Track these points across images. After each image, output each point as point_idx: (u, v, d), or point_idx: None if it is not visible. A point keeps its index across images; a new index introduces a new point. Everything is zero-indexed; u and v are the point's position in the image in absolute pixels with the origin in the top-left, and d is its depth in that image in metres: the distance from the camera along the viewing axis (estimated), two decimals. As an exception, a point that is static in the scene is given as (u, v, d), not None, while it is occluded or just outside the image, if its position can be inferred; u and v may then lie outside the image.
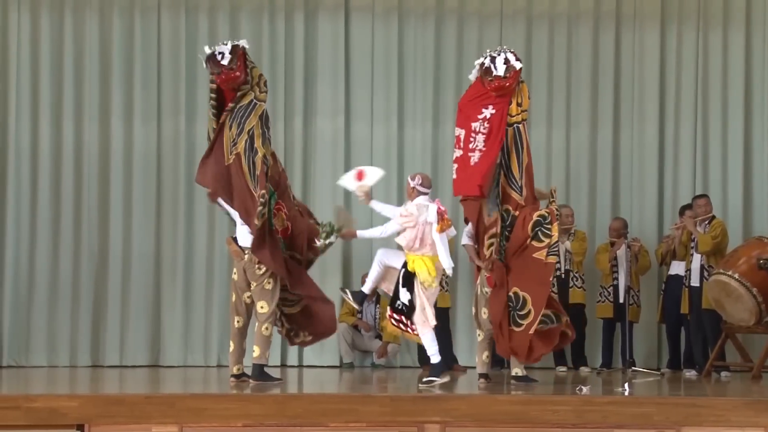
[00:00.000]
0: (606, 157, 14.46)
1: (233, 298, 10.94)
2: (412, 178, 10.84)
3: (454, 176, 11.08)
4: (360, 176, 10.95)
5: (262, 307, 10.80)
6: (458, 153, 11.05)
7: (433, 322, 10.68)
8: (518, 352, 10.76)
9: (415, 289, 10.57)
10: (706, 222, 12.90)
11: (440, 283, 13.41)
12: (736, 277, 12.04)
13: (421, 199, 10.69)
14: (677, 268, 13.13)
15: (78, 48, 13.94)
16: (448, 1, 14.42)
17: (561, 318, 10.90)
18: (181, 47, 14.05)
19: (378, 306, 13.86)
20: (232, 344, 10.93)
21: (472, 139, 10.97)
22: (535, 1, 14.45)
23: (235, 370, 10.88)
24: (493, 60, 10.95)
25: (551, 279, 11.05)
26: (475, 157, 10.96)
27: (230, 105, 10.91)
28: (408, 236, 10.55)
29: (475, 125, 10.97)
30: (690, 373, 12.84)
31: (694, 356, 12.94)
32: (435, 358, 10.68)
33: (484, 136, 10.94)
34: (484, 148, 10.94)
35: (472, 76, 11.19)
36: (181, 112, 14.01)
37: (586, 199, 14.42)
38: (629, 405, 9.31)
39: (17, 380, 11.94)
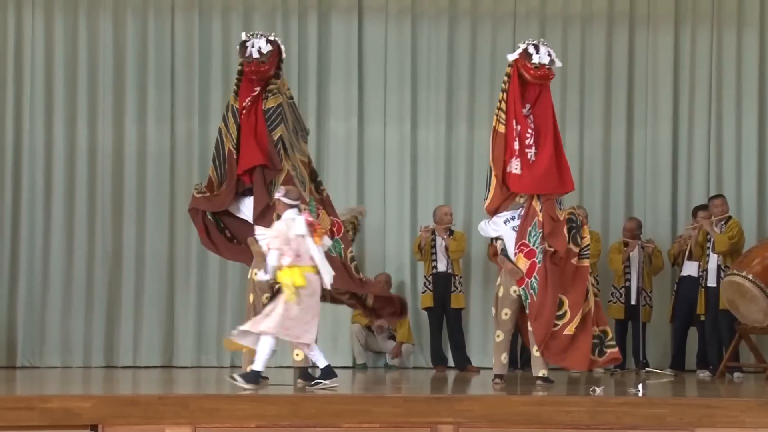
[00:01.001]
0: (620, 157, 14.45)
1: (251, 299, 10.84)
2: (278, 191, 10.24)
3: (519, 172, 10.96)
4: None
5: None
6: (516, 146, 10.99)
7: (269, 330, 9.94)
8: (545, 345, 10.80)
9: (278, 297, 9.98)
10: (723, 222, 12.88)
11: (454, 284, 13.53)
12: (750, 278, 12.01)
13: (289, 213, 10.12)
14: (690, 268, 13.11)
15: (92, 49, 13.97)
16: (462, 2, 14.43)
17: (608, 339, 10.96)
18: (195, 48, 14.08)
19: (392, 307, 13.87)
20: (246, 344, 10.93)
21: (528, 135, 11.00)
22: (548, 2, 14.46)
23: (248, 371, 10.87)
24: (536, 48, 10.99)
25: (587, 283, 11.01)
26: (531, 154, 11.00)
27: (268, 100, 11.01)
28: (287, 254, 10.01)
29: (528, 121, 11.04)
30: (704, 374, 12.82)
31: (710, 357, 12.91)
32: (259, 366, 10.11)
33: (534, 132, 11.02)
34: (536, 145, 11.01)
35: (511, 57, 11.07)
36: (194, 113, 14.04)
37: (599, 199, 14.41)
38: (643, 406, 9.29)
39: (31, 381, 11.96)
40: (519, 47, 11.08)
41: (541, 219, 10.89)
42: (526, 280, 10.85)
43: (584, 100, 14.49)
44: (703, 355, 13.06)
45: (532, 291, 10.82)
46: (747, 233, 13.35)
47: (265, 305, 10.92)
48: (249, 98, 10.97)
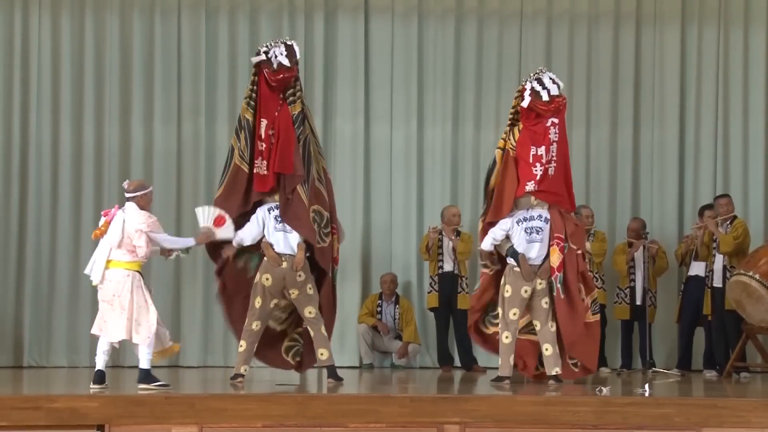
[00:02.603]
0: (626, 157, 14.43)
1: (258, 303, 10.86)
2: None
3: (536, 187, 11.02)
4: (220, 222, 10.60)
5: (310, 312, 10.87)
6: (539, 171, 11.02)
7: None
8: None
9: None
10: (728, 222, 12.86)
11: (461, 285, 13.52)
12: (757, 278, 11.99)
13: (127, 206, 10.35)
14: (697, 268, 13.09)
15: (98, 49, 13.99)
16: (468, 2, 14.42)
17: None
18: (201, 48, 14.09)
19: (397, 306, 13.87)
20: (243, 344, 10.91)
21: (550, 150, 11.06)
22: (555, 1, 14.44)
23: (242, 371, 10.91)
24: (540, 82, 11.10)
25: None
26: (551, 168, 11.05)
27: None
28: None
29: (550, 136, 11.05)
30: (710, 374, 12.81)
31: (716, 357, 12.88)
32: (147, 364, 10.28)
33: (557, 144, 11.08)
34: (556, 157, 11.05)
35: (525, 103, 11.08)
36: (201, 113, 14.04)
37: (606, 199, 14.40)
38: (649, 406, 9.29)
39: (38, 381, 11.98)
40: (526, 88, 11.11)
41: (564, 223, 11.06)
42: (557, 273, 10.93)
43: (591, 100, 14.47)
44: (710, 355, 13.04)
45: (559, 285, 10.90)
46: (754, 233, 13.33)
47: (272, 310, 10.97)
48: (275, 109, 10.96)
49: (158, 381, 10.13)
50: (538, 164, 11.02)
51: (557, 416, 9.20)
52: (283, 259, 10.80)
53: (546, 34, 14.40)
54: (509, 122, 11.34)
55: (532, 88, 11.10)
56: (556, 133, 11.08)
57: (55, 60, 13.94)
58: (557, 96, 11.11)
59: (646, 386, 10.24)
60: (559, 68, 14.24)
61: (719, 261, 12.74)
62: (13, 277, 13.74)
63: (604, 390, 9.97)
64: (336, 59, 14.31)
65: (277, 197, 10.90)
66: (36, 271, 13.76)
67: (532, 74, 11.24)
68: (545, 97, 11.05)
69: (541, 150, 11.02)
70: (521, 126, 11.18)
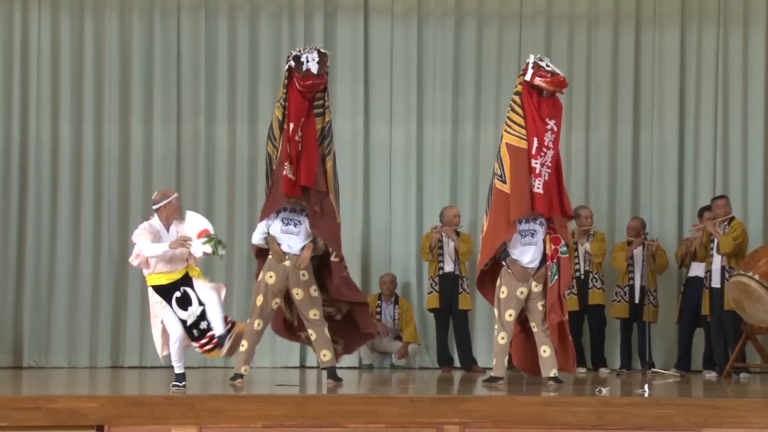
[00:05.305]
0: (626, 158, 14.43)
1: (260, 302, 10.91)
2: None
3: (540, 191, 10.96)
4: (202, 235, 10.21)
5: (314, 315, 10.89)
6: (536, 163, 10.95)
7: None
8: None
9: (200, 292, 10.11)
10: (726, 223, 12.86)
11: (461, 286, 13.54)
12: (756, 279, 11.99)
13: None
14: (697, 269, 13.09)
15: (98, 49, 13.98)
16: (468, 2, 14.42)
17: None
18: (201, 49, 14.08)
19: (397, 307, 13.87)
20: (245, 344, 10.91)
21: (543, 153, 10.98)
22: (554, 2, 14.44)
23: (242, 371, 10.92)
24: (541, 59, 11.08)
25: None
26: (545, 175, 10.98)
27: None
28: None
29: (545, 139, 10.99)
30: (710, 375, 12.81)
31: (715, 358, 12.89)
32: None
33: (553, 151, 11.03)
34: (551, 165, 11.01)
35: (528, 76, 11.02)
36: (200, 113, 14.04)
37: (605, 200, 14.40)
38: (649, 406, 9.30)
39: (38, 381, 11.98)
40: (528, 63, 11.07)
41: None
42: (549, 263, 10.95)
43: (590, 101, 14.47)
44: (710, 356, 13.04)
45: (550, 273, 10.91)
46: (753, 233, 13.34)
47: (273, 310, 10.97)
48: (302, 115, 10.92)
49: (180, 383, 10.08)
50: (535, 157, 10.96)
51: (556, 416, 9.21)
52: (287, 257, 10.83)
53: (545, 34, 14.39)
54: (510, 109, 11.21)
55: (535, 62, 11.03)
56: (551, 140, 11.03)
57: (54, 60, 13.93)
58: (558, 73, 11.04)
59: (646, 387, 10.25)
60: (559, 69, 14.25)
61: (717, 261, 12.75)
62: (13, 278, 13.73)
63: (604, 390, 9.98)
64: (335, 60, 14.27)
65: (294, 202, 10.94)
66: (36, 271, 13.76)
67: (536, 56, 11.19)
68: (547, 68, 10.99)
69: (535, 140, 10.96)
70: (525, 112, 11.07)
